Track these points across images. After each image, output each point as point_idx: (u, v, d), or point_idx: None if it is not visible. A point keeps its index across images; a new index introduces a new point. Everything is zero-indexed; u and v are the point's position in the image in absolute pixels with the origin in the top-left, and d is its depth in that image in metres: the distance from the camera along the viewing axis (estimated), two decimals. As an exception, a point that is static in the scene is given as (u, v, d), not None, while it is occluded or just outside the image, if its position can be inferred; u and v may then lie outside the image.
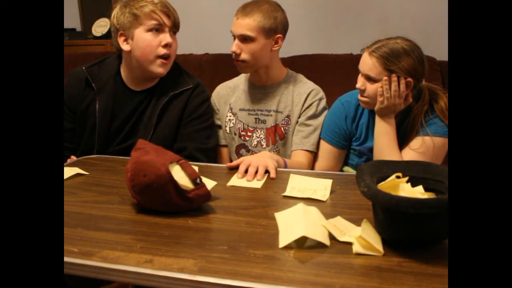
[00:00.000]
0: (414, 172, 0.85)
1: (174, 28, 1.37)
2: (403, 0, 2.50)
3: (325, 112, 1.48)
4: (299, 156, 1.43)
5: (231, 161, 1.50)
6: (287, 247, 0.77)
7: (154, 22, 1.32)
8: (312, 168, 1.44)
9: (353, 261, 0.73)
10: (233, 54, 1.43)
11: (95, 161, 1.29)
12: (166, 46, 1.34)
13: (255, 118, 1.51)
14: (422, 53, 1.27)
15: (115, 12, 1.36)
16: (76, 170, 1.17)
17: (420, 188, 0.83)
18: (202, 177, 0.93)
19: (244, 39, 1.39)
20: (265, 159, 1.19)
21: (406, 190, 0.82)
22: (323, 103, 1.48)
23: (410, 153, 1.28)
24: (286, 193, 1.03)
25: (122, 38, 1.35)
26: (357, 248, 0.76)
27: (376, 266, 0.71)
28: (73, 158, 1.34)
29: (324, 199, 0.99)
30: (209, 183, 1.05)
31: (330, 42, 2.62)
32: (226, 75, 1.65)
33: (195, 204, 0.92)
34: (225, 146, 1.56)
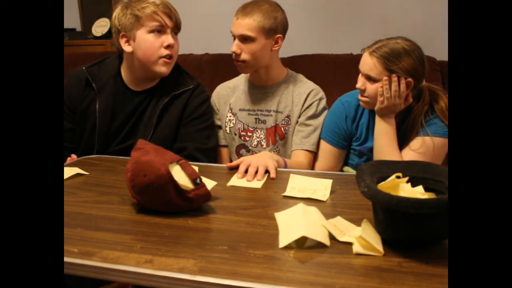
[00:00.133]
0: (414, 172, 0.85)
1: (176, 29, 1.37)
2: (403, 0, 2.50)
3: (325, 112, 1.48)
4: (299, 156, 1.43)
5: (231, 161, 1.50)
6: (287, 247, 0.77)
7: (156, 23, 1.32)
8: (312, 168, 1.44)
9: (353, 261, 0.73)
10: (233, 54, 1.43)
11: (95, 161, 1.29)
12: (168, 47, 1.34)
13: (255, 118, 1.51)
14: (423, 53, 1.27)
15: (116, 13, 1.35)
16: (76, 170, 1.17)
17: (420, 188, 0.83)
18: (202, 177, 0.93)
19: (244, 39, 1.39)
20: (265, 159, 1.19)
21: (406, 190, 0.82)
22: (323, 103, 1.48)
23: (410, 153, 1.28)
24: (286, 193, 1.03)
25: (124, 39, 1.35)
26: (357, 248, 0.76)
27: (376, 266, 0.71)
28: (74, 156, 1.34)
29: (324, 199, 0.99)
30: (209, 183, 1.05)
31: (330, 42, 2.62)
32: (226, 75, 1.66)
33: (195, 204, 0.92)
34: (225, 146, 1.56)
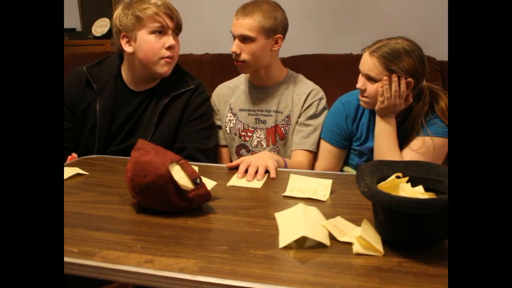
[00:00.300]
0: (414, 172, 0.85)
1: (177, 29, 1.37)
2: (403, 0, 2.50)
3: (325, 112, 1.48)
4: (299, 156, 1.43)
5: (231, 161, 1.50)
6: (287, 247, 0.77)
7: (157, 24, 1.32)
8: (312, 168, 1.44)
9: (353, 261, 0.73)
10: (233, 54, 1.43)
11: (95, 161, 1.29)
12: (169, 48, 1.34)
13: (255, 119, 1.51)
14: (423, 53, 1.27)
15: (117, 13, 1.35)
16: (76, 170, 1.17)
17: (420, 188, 0.83)
18: (202, 177, 0.93)
19: (244, 39, 1.39)
20: (265, 159, 1.19)
21: (406, 190, 0.82)
22: (323, 103, 1.48)
23: (410, 153, 1.28)
24: (286, 193, 1.03)
25: (125, 40, 1.35)
26: (357, 248, 0.76)
27: (376, 266, 0.71)
28: (74, 155, 1.34)
29: (324, 199, 0.99)
30: (209, 183, 1.05)
31: (330, 42, 2.62)
32: (226, 75, 1.66)
33: (195, 204, 0.92)
34: (225, 146, 1.56)
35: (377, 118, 1.30)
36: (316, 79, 1.54)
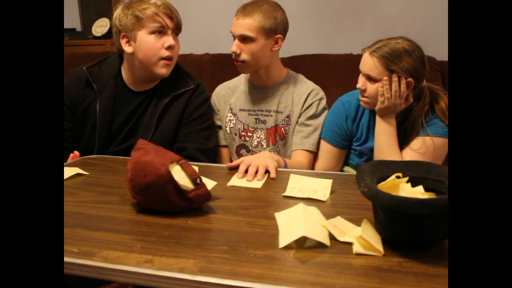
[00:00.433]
0: (414, 172, 0.85)
1: (177, 29, 1.37)
2: (403, 0, 2.50)
3: (325, 112, 1.48)
4: (299, 156, 1.43)
5: (231, 161, 1.50)
6: (287, 247, 0.77)
7: (157, 24, 1.32)
8: (312, 168, 1.44)
9: (353, 261, 0.73)
10: (233, 54, 1.43)
11: (95, 161, 1.29)
12: (169, 48, 1.34)
13: (255, 119, 1.51)
14: (423, 53, 1.27)
15: (117, 13, 1.35)
16: (76, 170, 1.17)
17: (420, 188, 0.83)
18: (202, 177, 0.93)
19: (244, 39, 1.39)
20: (265, 159, 1.19)
21: (406, 190, 0.82)
22: (323, 103, 1.48)
23: (411, 154, 1.28)
24: (286, 193, 1.03)
25: (125, 40, 1.35)
26: (357, 248, 0.76)
27: (376, 266, 0.71)
28: (76, 153, 1.34)
29: (324, 199, 0.99)
30: (209, 183, 1.05)
31: (330, 42, 2.62)
32: (226, 75, 1.66)
33: (195, 204, 0.92)
34: (226, 146, 1.56)
35: (377, 118, 1.30)
36: (316, 79, 1.54)
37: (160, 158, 0.91)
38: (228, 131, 1.54)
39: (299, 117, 1.47)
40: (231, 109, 1.54)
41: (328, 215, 0.88)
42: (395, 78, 1.23)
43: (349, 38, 2.51)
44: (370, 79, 1.27)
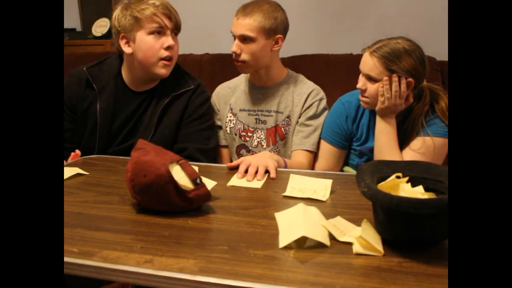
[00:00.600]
0: (414, 172, 0.85)
1: (176, 30, 1.37)
2: (403, 0, 2.50)
3: (326, 112, 1.48)
4: (299, 156, 1.43)
5: (231, 161, 1.50)
6: (287, 247, 0.77)
7: (155, 25, 1.32)
8: (313, 168, 1.44)
9: (353, 261, 0.73)
10: (233, 54, 1.43)
11: (95, 161, 1.29)
12: (168, 48, 1.34)
13: (256, 119, 1.51)
14: (423, 53, 1.27)
15: (116, 14, 1.35)
16: (76, 170, 1.17)
17: (420, 188, 0.83)
18: (202, 177, 0.93)
19: (244, 39, 1.39)
20: (265, 159, 1.19)
21: (406, 190, 0.82)
22: (324, 103, 1.48)
23: (411, 154, 1.28)
24: (286, 193, 1.03)
25: (124, 41, 1.35)
26: (357, 248, 0.76)
27: (376, 266, 0.71)
28: (78, 152, 1.34)
29: (324, 199, 0.99)
30: (209, 183, 1.05)
31: (330, 42, 2.62)
32: (226, 75, 1.66)
33: (195, 204, 0.92)
34: (226, 146, 1.56)
35: (378, 118, 1.30)
36: (316, 79, 1.54)
37: (160, 158, 0.91)
38: (228, 131, 1.54)
39: (299, 117, 1.47)
40: (231, 109, 1.54)
41: (328, 215, 0.88)
42: (395, 78, 1.23)
43: (349, 38, 2.51)
44: (370, 79, 1.27)
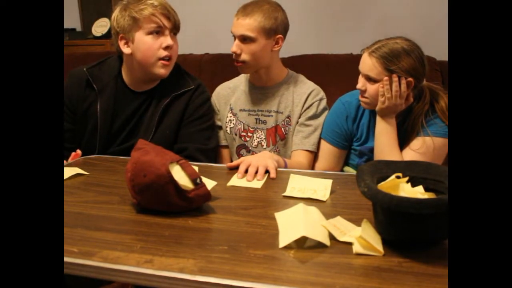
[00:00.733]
0: (415, 172, 0.85)
1: (175, 29, 1.37)
2: (403, 0, 2.50)
3: (326, 113, 1.48)
4: (299, 156, 1.43)
5: (231, 161, 1.50)
6: (287, 247, 0.77)
7: (154, 25, 1.32)
8: (313, 168, 1.44)
9: (353, 261, 0.73)
10: (234, 55, 1.43)
11: (96, 161, 1.29)
12: (167, 48, 1.34)
13: (256, 119, 1.51)
14: (422, 53, 1.27)
15: (115, 15, 1.35)
16: (76, 170, 1.17)
17: (420, 188, 0.83)
18: (202, 177, 0.93)
19: (245, 39, 1.39)
20: (265, 159, 1.19)
21: (406, 190, 0.82)
22: (324, 103, 1.48)
23: (411, 154, 1.28)
24: (286, 193, 1.03)
25: (123, 42, 1.35)
26: (357, 248, 0.76)
27: (376, 266, 0.71)
28: (79, 152, 1.34)
29: (324, 199, 0.99)
30: (209, 183, 1.05)
31: (330, 42, 2.62)
32: (226, 75, 1.65)
33: (195, 204, 0.92)
34: (226, 146, 1.56)
35: (378, 118, 1.30)
36: (316, 79, 1.54)
37: (160, 158, 0.91)
38: (228, 131, 1.54)
39: (299, 117, 1.47)
40: (231, 109, 1.54)
41: (328, 215, 0.88)
42: (395, 78, 1.23)
43: (349, 38, 2.52)
44: (370, 79, 1.27)
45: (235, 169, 1.19)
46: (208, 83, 1.58)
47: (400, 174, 0.82)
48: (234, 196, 1.04)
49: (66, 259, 0.73)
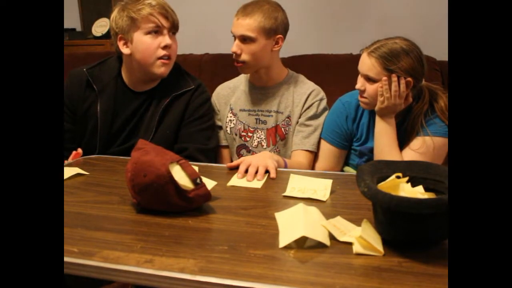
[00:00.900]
0: (414, 172, 0.85)
1: (173, 29, 1.37)
2: (403, 0, 2.50)
3: (326, 113, 1.48)
4: (299, 156, 1.43)
5: (231, 161, 1.50)
6: (287, 247, 0.77)
7: (152, 24, 1.32)
8: (313, 168, 1.44)
9: (353, 261, 0.73)
10: (234, 55, 1.43)
11: (96, 161, 1.29)
12: (165, 47, 1.34)
13: (256, 119, 1.51)
14: (421, 52, 1.27)
15: (114, 15, 1.36)
16: (76, 170, 1.17)
17: (420, 188, 0.83)
18: (202, 177, 0.93)
19: (245, 39, 1.39)
20: (265, 159, 1.19)
21: (406, 190, 0.82)
22: (324, 103, 1.48)
23: (411, 153, 1.28)
24: (286, 193, 1.03)
25: (122, 42, 1.35)
26: (357, 248, 0.76)
27: (376, 266, 0.71)
28: (80, 151, 1.34)
29: (324, 199, 0.99)
30: (209, 183, 1.05)
31: (330, 42, 2.62)
32: (226, 75, 1.65)
33: (195, 204, 0.92)
34: (226, 146, 1.56)
35: (377, 118, 1.30)
36: (316, 79, 1.54)
37: (160, 158, 0.91)
38: (229, 131, 1.54)
39: (299, 118, 1.47)
40: (231, 109, 1.54)
41: (328, 215, 0.88)
42: (394, 78, 1.23)
43: (349, 38, 2.52)
44: (369, 79, 1.27)
45: (235, 169, 1.19)
46: (208, 83, 1.58)
47: (400, 174, 0.82)
48: (234, 196, 1.04)
49: (66, 259, 0.73)
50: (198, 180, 0.91)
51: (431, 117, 1.29)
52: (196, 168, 0.97)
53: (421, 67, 1.26)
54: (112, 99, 1.40)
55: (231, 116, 1.53)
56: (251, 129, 1.51)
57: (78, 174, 1.16)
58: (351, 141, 1.43)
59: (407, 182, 0.83)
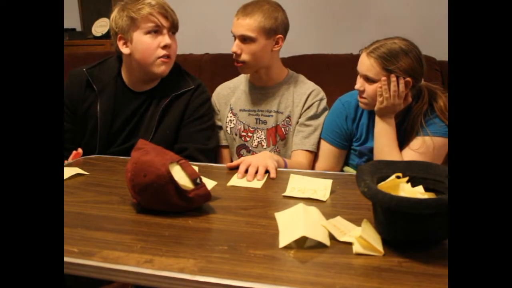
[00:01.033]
0: (414, 172, 0.85)
1: (173, 28, 1.37)
2: (403, 0, 2.50)
3: (326, 113, 1.48)
4: (299, 156, 1.43)
5: (231, 161, 1.50)
6: (287, 247, 0.77)
7: (151, 24, 1.32)
8: (313, 168, 1.44)
9: (353, 261, 0.73)
10: (234, 55, 1.43)
11: (96, 161, 1.29)
12: (165, 47, 1.34)
13: (256, 119, 1.51)
14: (420, 52, 1.27)
15: (113, 15, 1.36)
16: (76, 170, 1.17)
17: (420, 188, 0.83)
18: (202, 177, 0.93)
19: (245, 39, 1.39)
20: (265, 159, 1.19)
21: (406, 190, 0.82)
22: (324, 103, 1.48)
23: (410, 153, 1.28)
24: (286, 193, 1.03)
25: (122, 42, 1.35)
26: (357, 248, 0.76)
27: (376, 266, 0.71)
28: (80, 151, 1.34)
29: (324, 199, 0.99)
30: (209, 183, 1.05)
31: (330, 42, 2.62)
32: (226, 75, 1.65)
33: (195, 204, 0.92)
34: (226, 146, 1.56)
35: (377, 118, 1.30)
36: (316, 79, 1.54)
37: (160, 158, 0.91)
38: (229, 131, 1.54)
39: (300, 118, 1.47)
40: (231, 109, 1.54)
41: (328, 215, 0.88)
42: (393, 78, 1.23)
43: (349, 38, 2.51)
44: (368, 79, 1.27)
45: (235, 169, 1.19)
46: (208, 83, 1.58)
47: (400, 174, 0.82)
48: (234, 196, 1.04)
49: (66, 259, 0.73)
50: (198, 180, 0.91)
51: (430, 117, 1.29)
52: (196, 168, 0.97)
53: (420, 67, 1.26)
54: (112, 99, 1.40)
55: (231, 116, 1.53)
56: (251, 129, 1.51)
57: (78, 174, 1.16)
58: (350, 141, 1.43)
59: (407, 182, 0.83)
